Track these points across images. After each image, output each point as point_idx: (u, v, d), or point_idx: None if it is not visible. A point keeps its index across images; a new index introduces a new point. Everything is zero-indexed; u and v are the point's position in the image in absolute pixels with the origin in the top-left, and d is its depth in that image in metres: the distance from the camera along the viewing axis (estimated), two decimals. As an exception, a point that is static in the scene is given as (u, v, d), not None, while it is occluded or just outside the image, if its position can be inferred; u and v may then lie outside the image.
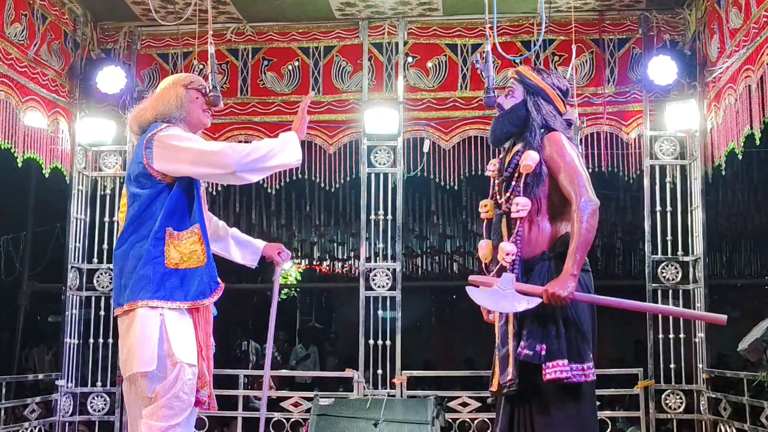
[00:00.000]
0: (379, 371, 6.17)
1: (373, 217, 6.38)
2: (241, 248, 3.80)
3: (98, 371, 6.38)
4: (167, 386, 3.14)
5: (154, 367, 3.12)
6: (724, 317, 3.32)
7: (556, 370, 3.15)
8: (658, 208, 6.19)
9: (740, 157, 5.44)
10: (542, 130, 3.43)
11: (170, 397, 3.14)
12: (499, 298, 3.26)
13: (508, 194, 3.42)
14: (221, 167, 3.18)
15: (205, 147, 3.20)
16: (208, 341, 3.33)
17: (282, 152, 3.27)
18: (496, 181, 3.58)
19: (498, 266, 3.41)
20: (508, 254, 3.32)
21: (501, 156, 3.65)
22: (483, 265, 3.55)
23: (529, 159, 3.34)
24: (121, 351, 3.28)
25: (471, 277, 3.41)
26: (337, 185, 6.58)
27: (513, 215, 3.35)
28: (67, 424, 6.28)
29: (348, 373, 6.26)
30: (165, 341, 3.15)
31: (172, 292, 3.19)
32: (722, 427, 5.73)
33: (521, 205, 3.33)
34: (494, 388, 3.40)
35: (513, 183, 3.41)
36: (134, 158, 3.34)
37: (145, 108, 3.41)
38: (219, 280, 3.35)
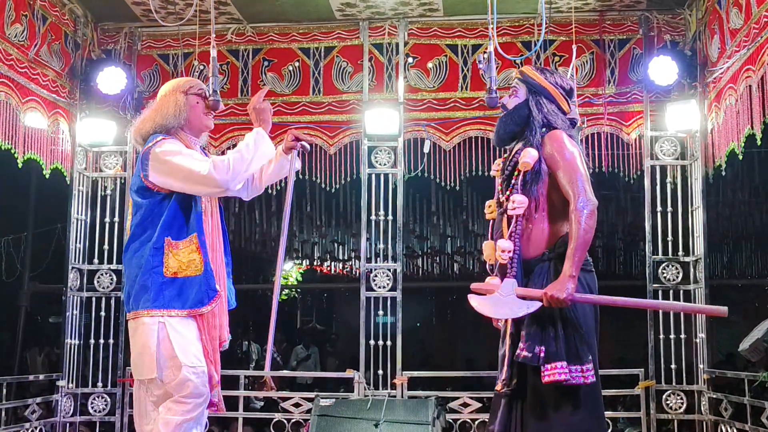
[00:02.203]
0: (380, 372, 6.17)
1: (373, 217, 6.38)
2: (271, 168, 3.66)
3: (99, 372, 6.38)
4: (178, 387, 3.24)
5: (154, 375, 3.24)
6: (724, 309, 3.30)
7: (555, 372, 3.14)
8: (659, 208, 6.19)
9: (741, 157, 5.44)
10: (543, 129, 3.42)
11: (185, 395, 3.24)
12: (500, 304, 3.26)
13: (507, 192, 3.42)
14: (214, 187, 3.32)
15: (193, 167, 3.27)
16: (214, 344, 3.39)
17: (257, 153, 3.37)
18: (499, 181, 3.58)
19: (498, 265, 3.40)
20: (504, 251, 3.31)
21: (505, 155, 3.65)
22: (487, 266, 3.54)
23: (528, 156, 3.34)
24: (131, 354, 3.42)
25: (473, 286, 3.40)
26: (338, 186, 6.58)
27: (509, 212, 3.35)
28: (67, 424, 6.28)
29: (349, 373, 6.26)
30: (165, 348, 3.24)
31: (171, 301, 3.28)
32: (723, 428, 5.73)
33: (517, 203, 3.33)
34: (498, 387, 3.40)
35: (512, 181, 3.41)
36: (135, 171, 3.44)
37: (145, 120, 3.47)
38: (218, 287, 3.39)
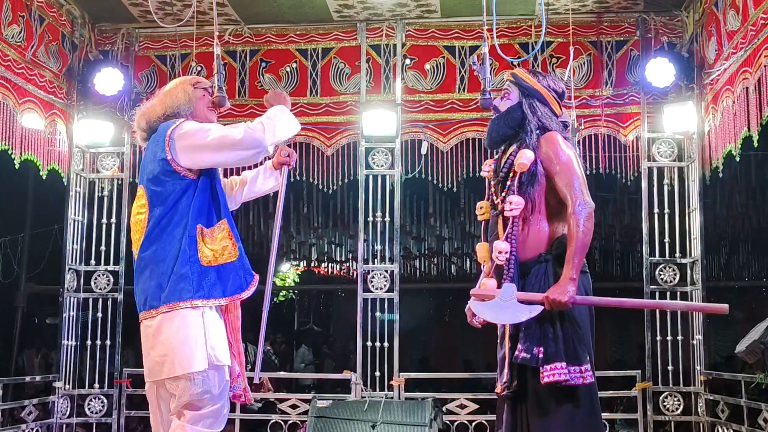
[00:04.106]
0: (377, 373, 6.17)
1: (371, 218, 6.38)
2: (260, 182, 3.71)
3: (96, 373, 6.37)
4: (215, 395, 3.16)
5: (206, 366, 3.12)
6: (725, 306, 3.30)
7: (554, 372, 3.14)
8: (656, 210, 6.19)
9: (738, 159, 5.45)
10: (538, 131, 3.43)
11: (220, 407, 3.18)
12: (501, 309, 3.25)
13: (503, 194, 3.42)
14: (252, 148, 3.22)
15: (226, 133, 3.22)
16: (237, 336, 3.34)
17: (284, 122, 3.34)
18: (492, 182, 3.58)
19: (493, 266, 3.40)
20: (500, 252, 3.31)
21: (497, 157, 3.65)
22: (482, 267, 3.54)
23: (524, 158, 3.34)
24: (153, 353, 3.20)
25: (472, 291, 3.39)
26: (335, 187, 6.58)
27: (506, 214, 3.35)
28: (64, 425, 6.27)
29: (346, 374, 6.26)
30: (209, 343, 3.15)
31: (211, 290, 3.19)
32: (720, 429, 5.73)
33: (514, 204, 3.33)
34: (498, 389, 3.39)
35: (508, 182, 3.41)
36: (151, 157, 3.30)
37: (154, 104, 3.41)
38: (253, 271, 3.34)
